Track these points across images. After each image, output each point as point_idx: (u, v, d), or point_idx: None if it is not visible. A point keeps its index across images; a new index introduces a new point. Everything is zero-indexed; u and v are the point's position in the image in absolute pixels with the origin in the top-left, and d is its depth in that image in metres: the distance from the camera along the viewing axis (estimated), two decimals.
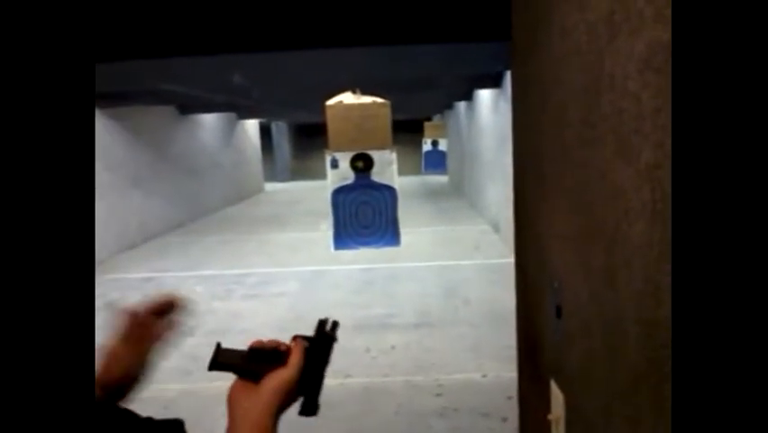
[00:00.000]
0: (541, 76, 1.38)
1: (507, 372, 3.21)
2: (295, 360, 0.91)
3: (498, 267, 7.13)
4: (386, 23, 1.88)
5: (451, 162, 16.30)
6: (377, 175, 4.06)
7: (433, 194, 16.22)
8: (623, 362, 0.96)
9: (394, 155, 4.08)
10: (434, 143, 14.54)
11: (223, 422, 0.86)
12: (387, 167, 4.06)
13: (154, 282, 7.34)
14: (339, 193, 4.10)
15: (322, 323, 0.98)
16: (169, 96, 9.26)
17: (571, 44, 1.13)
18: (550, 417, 1.38)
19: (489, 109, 9.91)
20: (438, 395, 4.18)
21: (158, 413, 0.87)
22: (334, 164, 4.06)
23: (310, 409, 0.95)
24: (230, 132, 16.65)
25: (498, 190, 8.92)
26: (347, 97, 4.14)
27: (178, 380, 4.13)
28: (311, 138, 21.60)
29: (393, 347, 5.09)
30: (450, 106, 16.03)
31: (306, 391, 0.94)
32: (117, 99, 8.38)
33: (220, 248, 9.87)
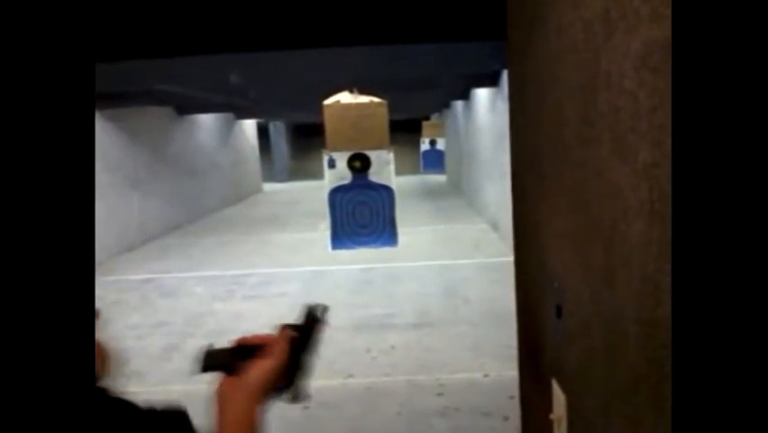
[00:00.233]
0: (537, 74, 1.37)
1: (509, 371, 3.21)
2: (277, 349, 0.92)
3: (497, 266, 7.13)
4: (383, 22, 1.88)
5: (449, 161, 16.30)
6: (374, 175, 4.06)
7: (431, 193, 16.21)
8: (623, 361, 0.95)
9: (391, 155, 4.08)
10: (432, 143, 14.55)
11: None
12: (384, 167, 4.05)
13: (154, 283, 7.34)
14: (336, 193, 4.09)
15: (310, 310, 0.98)
16: (166, 97, 9.25)
17: (567, 42, 1.13)
18: (552, 416, 1.37)
19: (487, 108, 9.91)
20: (439, 395, 4.18)
21: None
22: (332, 164, 4.05)
23: (297, 395, 0.94)
24: (228, 132, 16.64)
25: (497, 189, 8.92)
26: (344, 97, 4.14)
27: (180, 381, 4.13)
28: (309, 138, 21.59)
29: (393, 347, 5.09)
30: (447, 106, 16.03)
31: (294, 378, 0.94)
32: (115, 100, 8.37)
33: (219, 249, 9.86)
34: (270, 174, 22.22)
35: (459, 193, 15.06)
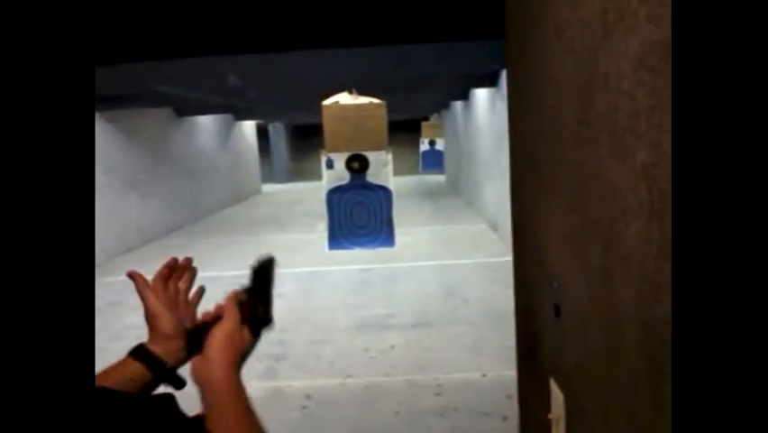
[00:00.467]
0: (536, 75, 1.38)
1: (507, 371, 3.21)
2: (227, 312, 0.96)
3: (496, 266, 7.14)
4: (381, 22, 1.88)
5: (448, 162, 16.31)
6: (372, 176, 4.06)
7: (430, 193, 16.22)
8: (621, 361, 0.95)
9: (389, 156, 4.08)
10: (432, 143, 14.55)
11: None
12: (382, 168, 4.05)
13: None
14: (334, 193, 4.10)
15: (255, 269, 1.02)
16: (165, 99, 9.25)
17: (565, 42, 1.13)
18: (550, 416, 1.37)
19: (486, 108, 9.92)
20: (438, 394, 4.18)
21: None
22: (330, 165, 4.06)
23: (259, 326, 0.98)
24: (227, 133, 16.64)
25: (496, 189, 8.93)
26: (343, 98, 4.14)
27: None
28: (308, 139, 21.59)
29: (392, 347, 5.09)
30: (447, 106, 16.04)
31: (260, 328, 0.99)
32: (113, 102, 8.37)
33: (218, 250, 9.86)
34: (270, 175, 22.23)
35: (458, 193, 15.07)
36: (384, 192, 4.10)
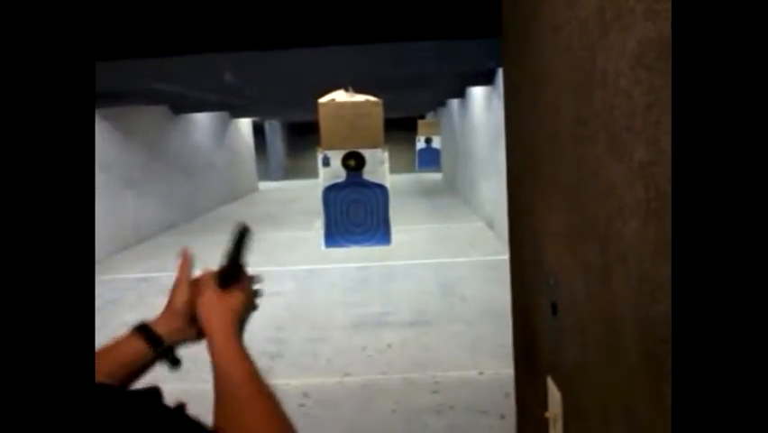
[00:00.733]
0: (533, 73, 1.38)
1: (504, 369, 3.21)
2: (204, 283, 1.02)
3: (493, 264, 7.14)
4: (379, 20, 1.88)
5: (444, 160, 16.31)
6: (368, 174, 4.05)
7: (427, 191, 16.23)
8: (619, 359, 0.95)
9: (386, 154, 4.07)
10: (428, 141, 14.54)
11: None
12: (378, 166, 4.05)
13: (149, 282, 7.33)
14: (330, 191, 4.09)
15: (233, 238, 1.06)
16: (161, 96, 9.23)
17: (562, 40, 1.13)
18: (547, 414, 1.37)
19: (482, 106, 9.92)
20: (435, 393, 4.18)
21: None
22: (326, 162, 4.05)
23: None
24: (223, 131, 16.61)
25: (493, 187, 8.93)
26: (340, 96, 4.13)
27: (177, 379, 4.12)
28: (304, 137, 21.56)
29: (389, 345, 5.10)
30: (443, 104, 16.04)
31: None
32: (110, 99, 8.34)
33: (215, 248, 9.80)
34: (266, 173, 22.21)
35: (454, 191, 15.07)
36: (381, 190, 4.09)
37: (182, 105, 12.18)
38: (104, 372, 0.89)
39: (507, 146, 1.74)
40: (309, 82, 6.44)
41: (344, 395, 4.22)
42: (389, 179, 4.17)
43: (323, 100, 4.13)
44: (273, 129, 23.72)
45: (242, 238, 1.06)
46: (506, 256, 1.90)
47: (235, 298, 0.99)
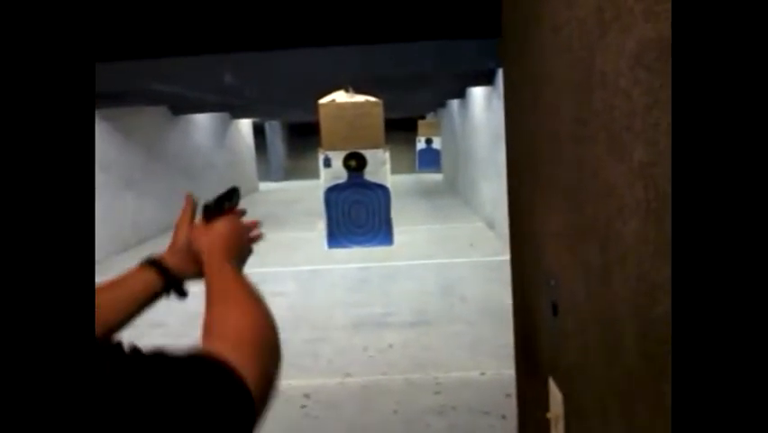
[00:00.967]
0: (532, 73, 1.38)
1: (506, 369, 3.21)
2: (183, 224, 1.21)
3: (494, 264, 7.13)
4: (378, 20, 1.88)
5: (445, 160, 16.30)
6: (370, 174, 4.05)
7: (427, 192, 16.22)
8: (619, 359, 0.95)
9: (387, 154, 4.07)
10: (428, 141, 14.53)
11: None
12: (380, 166, 4.04)
13: None
14: (332, 192, 4.08)
15: (217, 196, 1.23)
16: (161, 97, 9.23)
17: (561, 41, 1.13)
18: (549, 415, 1.37)
19: (482, 107, 9.92)
20: (436, 393, 4.18)
21: None
22: (327, 163, 4.04)
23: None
24: (223, 132, 16.61)
25: (493, 188, 8.93)
26: (340, 96, 4.13)
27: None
28: (305, 137, 21.56)
29: (391, 346, 5.09)
30: (443, 105, 16.04)
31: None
32: (110, 100, 8.34)
33: None
34: (267, 173, 22.19)
35: (455, 192, 15.07)
36: (382, 191, 4.09)
37: (182, 106, 12.17)
38: (109, 306, 0.98)
39: (508, 146, 1.74)
40: (309, 83, 6.44)
41: (345, 396, 4.22)
42: (390, 180, 4.16)
43: (323, 101, 4.13)
44: (273, 130, 23.71)
45: (231, 192, 1.23)
46: (506, 257, 1.90)
47: (220, 225, 1.15)
